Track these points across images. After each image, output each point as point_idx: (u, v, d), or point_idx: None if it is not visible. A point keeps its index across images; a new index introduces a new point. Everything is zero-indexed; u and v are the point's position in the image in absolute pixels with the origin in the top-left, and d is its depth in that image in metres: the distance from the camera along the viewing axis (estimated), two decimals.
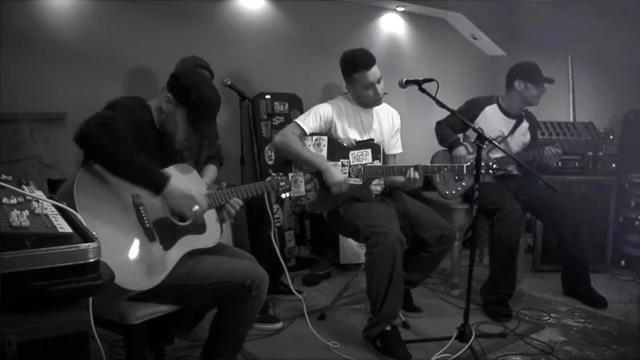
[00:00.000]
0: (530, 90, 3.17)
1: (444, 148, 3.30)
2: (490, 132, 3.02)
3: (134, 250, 1.69)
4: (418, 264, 2.73)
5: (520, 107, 3.26)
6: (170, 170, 1.92)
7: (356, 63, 2.61)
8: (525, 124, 3.31)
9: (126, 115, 1.76)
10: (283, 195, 2.27)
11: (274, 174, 2.27)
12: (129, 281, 1.64)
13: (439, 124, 3.31)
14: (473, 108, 3.21)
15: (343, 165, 2.63)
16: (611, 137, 3.28)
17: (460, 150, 3.16)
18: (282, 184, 2.25)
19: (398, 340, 2.46)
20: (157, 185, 1.71)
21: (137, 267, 1.69)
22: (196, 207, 1.78)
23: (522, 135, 3.31)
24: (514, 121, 3.27)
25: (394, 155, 2.87)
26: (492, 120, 3.21)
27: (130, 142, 1.69)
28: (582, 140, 3.40)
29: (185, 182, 1.93)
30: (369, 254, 2.46)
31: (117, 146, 1.63)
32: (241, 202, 2.04)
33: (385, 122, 2.81)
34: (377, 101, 2.69)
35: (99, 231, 1.36)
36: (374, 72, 2.61)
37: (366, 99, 2.67)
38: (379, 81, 2.64)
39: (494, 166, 2.40)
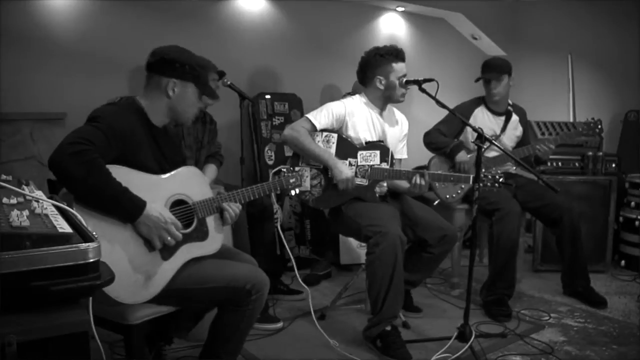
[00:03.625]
0: (487, 85, 3.21)
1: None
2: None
3: (131, 263, 1.68)
4: (419, 264, 2.73)
5: (500, 103, 3.26)
6: (178, 173, 1.91)
7: (396, 52, 2.65)
8: (515, 118, 3.32)
9: (109, 128, 1.69)
10: (292, 192, 2.26)
11: (284, 170, 2.25)
12: (126, 295, 1.63)
13: (428, 134, 3.28)
14: (462, 114, 3.17)
15: (350, 164, 2.63)
16: (600, 126, 3.26)
17: (462, 156, 3.16)
18: (292, 180, 2.21)
19: (398, 340, 2.46)
20: (130, 214, 1.67)
21: (134, 280, 1.68)
22: (168, 239, 1.73)
23: (514, 129, 3.32)
24: (503, 118, 3.28)
25: (400, 160, 2.87)
26: (483, 122, 3.21)
27: (104, 170, 1.62)
28: (575, 132, 3.38)
29: (192, 187, 1.92)
30: (370, 253, 2.46)
31: (87, 179, 1.57)
32: (237, 206, 2.00)
33: (395, 126, 2.82)
34: (404, 95, 2.70)
35: None
36: (404, 68, 2.68)
37: (397, 91, 2.67)
38: None
39: (500, 180, 2.40)
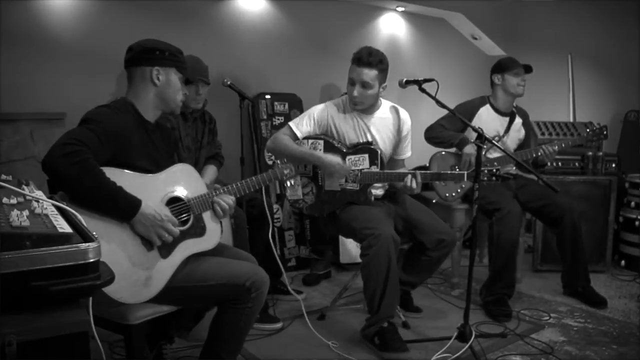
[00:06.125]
0: (509, 80, 3.18)
1: (438, 149, 3.29)
2: (487, 132, 3.02)
3: (130, 263, 1.68)
4: (417, 267, 2.73)
5: (508, 102, 3.26)
6: (171, 171, 1.91)
7: (354, 56, 2.56)
8: (518, 120, 3.31)
9: (102, 130, 1.69)
10: (288, 183, 2.25)
11: (277, 162, 2.26)
12: (126, 295, 1.63)
13: (430, 129, 3.25)
14: (465, 112, 3.14)
15: None
16: (605, 132, 3.25)
17: (471, 149, 3.09)
18: (286, 171, 2.21)
19: (395, 336, 2.46)
20: (126, 213, 1.67)
21: (135, 279, 1.68)
22: (166, 236, 1.74)
23: (517, 131, 3.32)
24: (507, 119, 3.27)
25: (403, 159, 2.83)
26: (487, 121, 3.20)
27: (98, 170, 1.62)
28: (579, 137, 3.37)
29: (187, 184, 1.92)
30: (364, 255, 2.45)
31: (80, 179, 1.58)
32: (231, 197, 2.00)
33: (387, 126, 2.73)
34: (353, 103, 2.62)
35: None
36: (360, 72, 2.52)
37: (349, 95, 2.62)
38: (363, 85, 2.53)
39: (497, 173, 2.39)
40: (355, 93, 2.56)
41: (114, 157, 1.72)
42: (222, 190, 2.00)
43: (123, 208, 1.67)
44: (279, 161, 2.26)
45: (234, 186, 2.05)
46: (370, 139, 2.67)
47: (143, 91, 1.90)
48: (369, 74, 2.52)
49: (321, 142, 2.64)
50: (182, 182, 1.92)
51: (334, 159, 2.56)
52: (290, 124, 2.65)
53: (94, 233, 1.56)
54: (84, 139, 1.63)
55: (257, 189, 2.14)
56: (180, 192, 1.89)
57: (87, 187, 1.60)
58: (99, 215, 1.64)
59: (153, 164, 1.85)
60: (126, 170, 1.76)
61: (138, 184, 1.75)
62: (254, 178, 2.10)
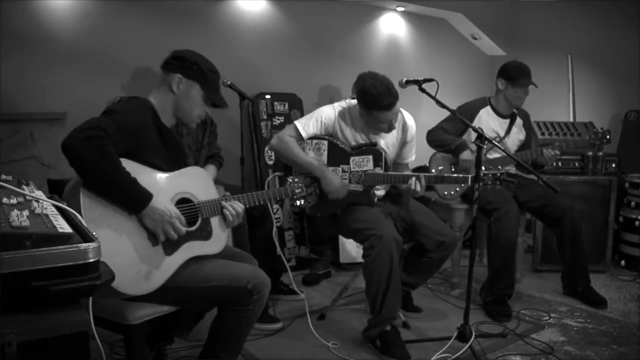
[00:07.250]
0: (511, 91, 3.16)
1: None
2: (486, 134, 3.01)
3: (134, 254, 1.69)
4: (418, 268, 2.73)
5: (508, 106, 3.25)
6: (185, 172, 1.93)
7: (379, 102, 2.44)
8: (519, 121, 3.31)
9: (122, 122, 1.71)
10: (298, 202, 2.27)
11: (290, 180, 2.27)
12: (126, 285, 1.64)
13: (431, 132, 3.27)
14: (466, 114, 3.11)
15: (344, 171, 2.60)
16: (608, 136, 3.25)
17: (467, 154, 3.13)
18: (297, 191, 2.24)
19: (398, 340, 2.46)
20: (136, 205, 1.69)
21: (136, 271, 1.69)
22: (172, 233, 1.75)
23: (518, 133, 3.31)
24: (507, 121, 3.27)
25: (407, 163, 2.83)
26: (487, 123, 3.20)
27: (116, 158, 1.64)
28: (580, 140, 3.37)
29: (199, 187, 1.93)
30: (366, 256, 2.45)
31: (98, 163, 1.60)
32: (241, 205, 1.99)
33: (392, 133, 2.70)
34: (387, 132, 2.63)
35: (100, 233, 1.37)
36: (394, 113, 2.49)
37: (378, 130, 2.60)
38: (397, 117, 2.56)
39: (501, 177, 2.38)
40: (396, 125, 2.61)
41: (130, 152, 1.74)
42: (231, 198, 2.00)
43: (134, 199, 1.69)
44: (290, 179, 2.27)
45: (244, 197, 2.04)
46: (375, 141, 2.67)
47: (163, 95, 1.93)
48: (398, 106, 2.51)
49: (325, 142, 2.62)
50: (194, 184, 1.93)
51: (336, 178, 2.54)
52: (297, 123, 2.62)
53: (102, 220, 1.60)
54: (105, 127, 1.66)
55: (266, 203, 2.15)
56: (191, 193, 1.90)
57: (103, 172, 1.62)
58: (109, 204, 1.66)
59: (165, 165, 1.87)
60: (141, 165, 1.78)
61: (151, 180, 1.78)
62: (264, 192, 2.11)
